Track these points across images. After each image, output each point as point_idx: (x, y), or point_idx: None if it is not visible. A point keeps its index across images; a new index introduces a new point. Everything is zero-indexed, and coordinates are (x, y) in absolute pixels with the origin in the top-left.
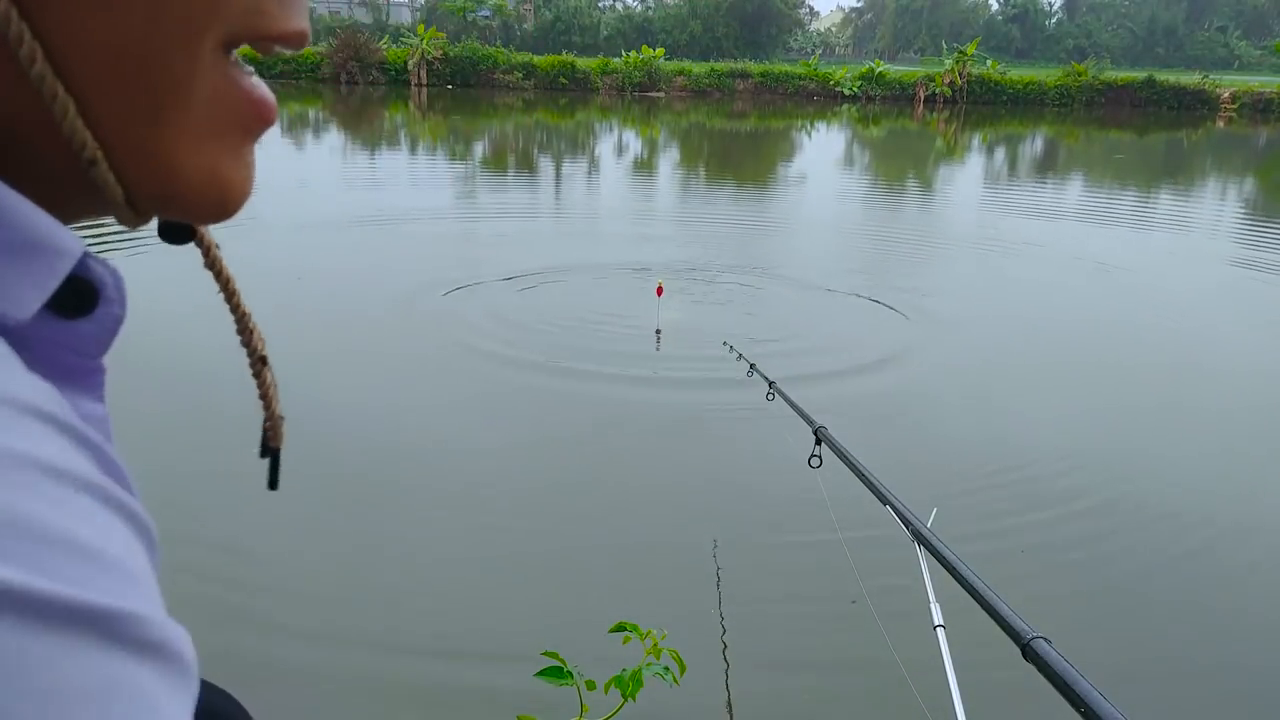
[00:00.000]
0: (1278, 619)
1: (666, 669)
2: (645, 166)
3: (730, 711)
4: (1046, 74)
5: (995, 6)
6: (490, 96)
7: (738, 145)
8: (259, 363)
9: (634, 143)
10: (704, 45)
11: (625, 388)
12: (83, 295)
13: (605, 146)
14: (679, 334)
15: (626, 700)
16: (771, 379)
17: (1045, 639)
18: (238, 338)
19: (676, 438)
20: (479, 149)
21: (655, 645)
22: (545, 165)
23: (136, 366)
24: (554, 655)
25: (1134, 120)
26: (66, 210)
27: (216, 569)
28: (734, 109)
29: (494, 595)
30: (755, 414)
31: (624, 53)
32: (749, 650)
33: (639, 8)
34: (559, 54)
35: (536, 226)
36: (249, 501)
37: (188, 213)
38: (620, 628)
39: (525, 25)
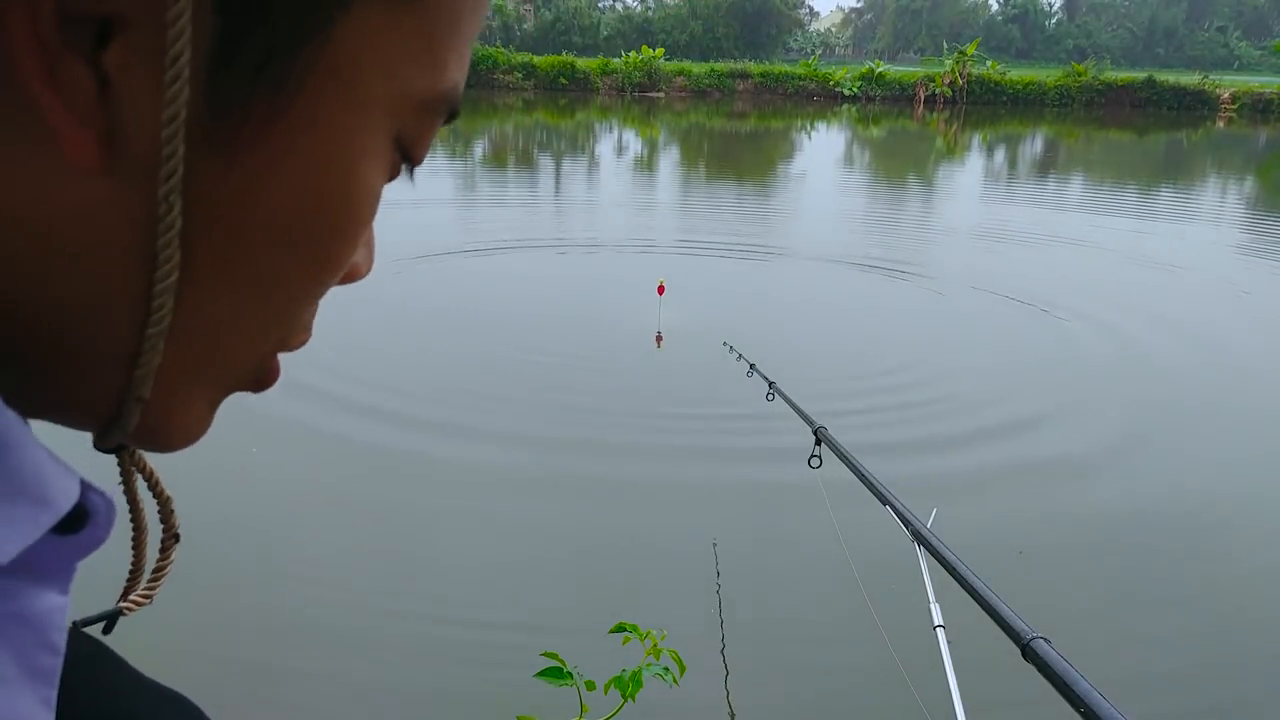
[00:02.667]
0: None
1: (666, 669)
2: (645, 165)
3: (730, 712)
4: (1046, 74)
5: (995, 7)
6: (490, 96)
7: (738, 145)
8: (171, 540)
9: (634, 142)
10: (704, 45)
11: (625, 388)
12: (72, 518)
13: (606, 146)
14: (680, 334)
15: (626, 700)
16: (771, 379)
17: (1045, 639)
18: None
19: (676, 438)
20: (478, 148)
21: (655, 646)
22: (546, 164)
23: None
24: (554, 655)
25: (1134, 120)
26: (34, 409)
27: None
28: (734, 109)
29: (494, 595)
30: (755, 414)
31: (624, 53)
32: (749, 651)
33: (639, 8)
34: (559, 54)
35: (537, 223)
36: (247, 499)
37: (153, 448)
38: (620, 628)
39: (525, 25)
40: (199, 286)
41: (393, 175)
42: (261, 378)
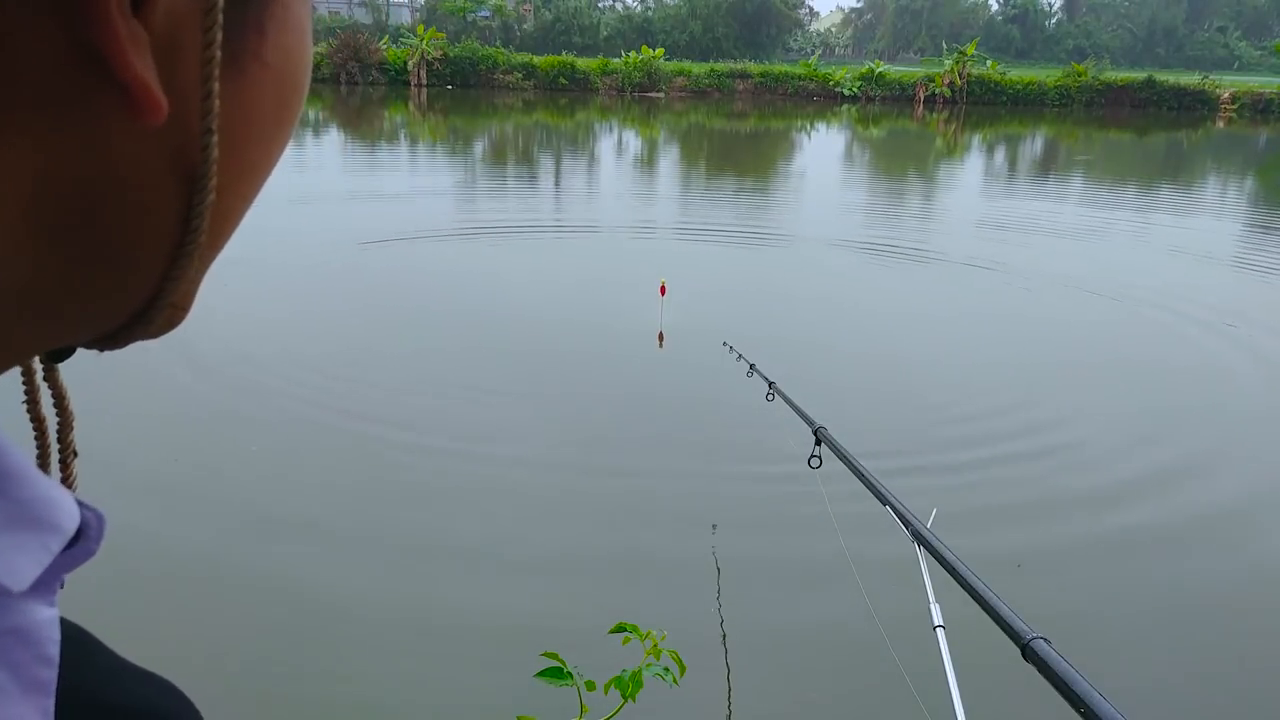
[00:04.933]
0: None
1: (666, 669)
2: (646, 164)
3: (730, 712)
4: (1046, 74)
5: (995, 7)
6: (490, 97)
7: (738, 145)
8: (70, 455)
9: (634, 142)
10: (704, 45)
11: (625, 388)
12: None
13: (606, 145)
14: (680, 333)
15: (626, 700)
16: (771, 379)
17: (1045, 639)
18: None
19: (677, 437)
20: (479, 148)
21: (655, 646)
22: (548, 163)
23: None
24: (554, 655)
25: (1134, 121)
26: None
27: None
28: (734, 109)
29: (493, 595)
30: (755, 414)
31: (624, 53)
32: (748, 651)
33: (639, 8)
34: (559, 54)
35: (538, 218)
36: (247, 498)
37: (154, 335)
38: (620, 628)
39: (525, 25)
40: (220, 195)
41: None
42: None
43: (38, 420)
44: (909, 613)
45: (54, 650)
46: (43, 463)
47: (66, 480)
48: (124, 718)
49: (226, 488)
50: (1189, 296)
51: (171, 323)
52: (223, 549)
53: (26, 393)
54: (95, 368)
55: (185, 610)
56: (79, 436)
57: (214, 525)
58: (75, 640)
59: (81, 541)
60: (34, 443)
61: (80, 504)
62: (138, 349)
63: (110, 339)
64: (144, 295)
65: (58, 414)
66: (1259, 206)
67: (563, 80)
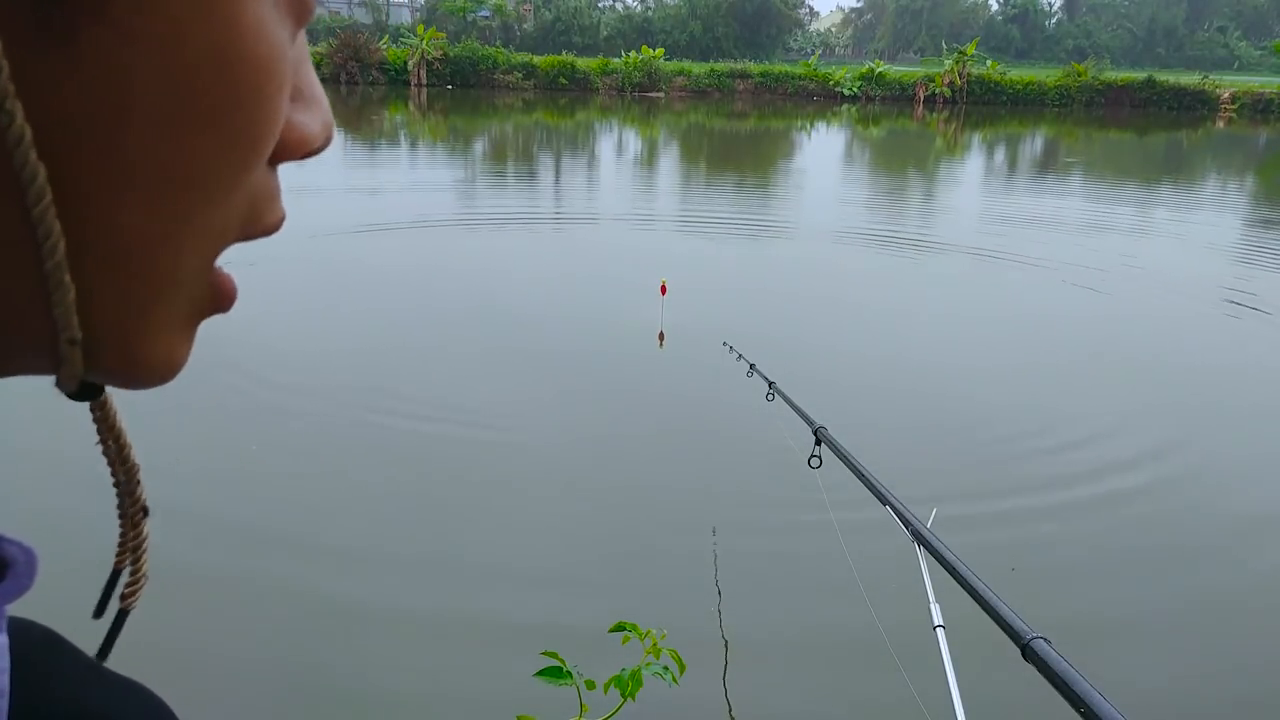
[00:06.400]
0: None
1: (666, 669)
2: (646, 163)
3: (730, 711)
4: (1046, 74)
5: (995, 7)
6: (490, 97)
7: (738, 145)
8: (140, 513)
9: (634, 142)
10: (704, 45)
11: (625, 388)
12: None
13: (606, 145)
14: (680, 333)
15: (626, 700)
16: (771, 379)
17: (1045, 639)
18: (116, 490)
19: (677, 437)
20: (479, 147)
21: (655, 645)
22: (546, 166)
23: None
24: (554, 655)
25: (1134, 120)
26: None
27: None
28: (734, 109)
29: (493, 595)
30: (755, 414)
31: (624, 53)
32: (748, 650)
33: (639, 8)
34: (559, 54)
35: (535, 222)
36: (245, 496)
37: (129, 385)
38: (620, 628)
39: (525, 25)
40: (100, 202)
41: (302, 16)
42: (216, 293)
43: (114, 470)
44: (909, 613)
45: (4, 680)
46: (122, 518)
47: (135, 540)
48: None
49: (224, 487)
50: (1188, 293)
51: (125, 372)
52: (220, 549)
53: (99, 437)
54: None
55: (186, 609)
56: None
57: (212, 524)
58: (47, 646)
59: (11, 578)
60: (116, 495)
61: (6, 540)
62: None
63: (61, 385)
64: (39, 332)
65: (122, 469)
66: (1253, 206)
67: (563, 80)
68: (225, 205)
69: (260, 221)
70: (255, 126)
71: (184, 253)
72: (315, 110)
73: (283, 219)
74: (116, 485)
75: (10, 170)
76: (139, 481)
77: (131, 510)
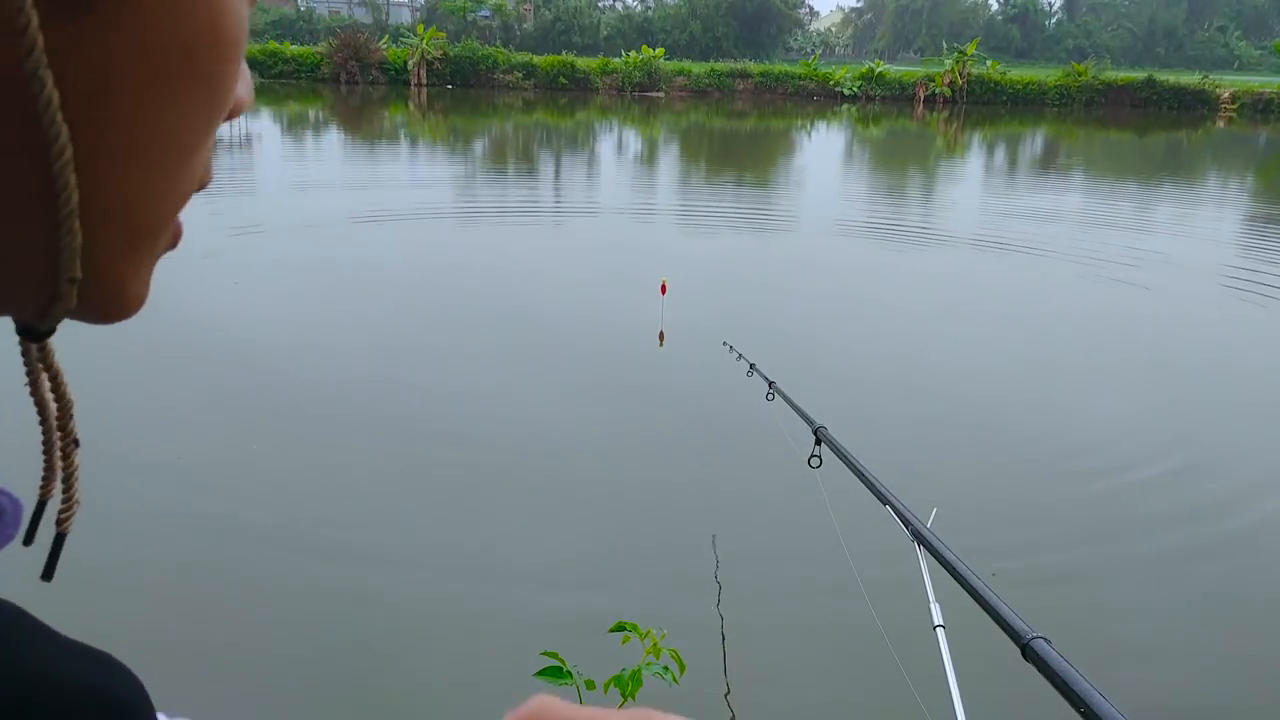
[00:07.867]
0: None
1: (666, 669)
2: (646, 161)
3: (730, 711)
4: (1046, 74)
5: (995, 6)
6: (490, 96)
7: (738, 144)
8: (71, 445)
9: (634, 141)
10: (704, 45)
11: (626, 387)
12: None
13: (606, 145)
14: (680, 332)
15: (626, 700)
16: (771, 379)
17: (1045, 639)
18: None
19: (677, 437)
20: (477, 146)
21: (655, 645)
22: (543, 165)
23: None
24: (554, 655)
25: (1134, 120)
26: None
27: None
28: (734, 109)
29: (493, 594)
30: (755, 414)
31: (624, 53)
32: (748, 650)
33: (639, 8)
34: (559, 54)
35: (539, 218)
36: (245, 495)
37: (104, 320)
38: (620, 628)
39: (525, 25)
40: (105, 160)
41: None
42: (175, 237)
43: (41, 406)
44: (909, 612)
45: None
46: (46, 451)
47: (67, 469)
48: (61, 692)
49: (225, 480)
50: (1188, 293)
51: (106, 308)
52: (220, 548)
53: (28, 376)
54: (120, 358)
55: (184, 606)
56: (98, 423)
57: (212, 524)
58: (10, 621)
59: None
60: (39, 429)
61: None
62: (140, 338)
63: (42, 319)
64: (41, 271)
65: (55, 400)
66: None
67: (563, 80)
68: (198, 163)
69: (207, 176)
70: (227, 94)
71: (167, 206)
72: (246, 81)
73: (211, 179)
74: (44, 421)
75: (36, 130)
76: (72, 415)
77: (64, 442)
